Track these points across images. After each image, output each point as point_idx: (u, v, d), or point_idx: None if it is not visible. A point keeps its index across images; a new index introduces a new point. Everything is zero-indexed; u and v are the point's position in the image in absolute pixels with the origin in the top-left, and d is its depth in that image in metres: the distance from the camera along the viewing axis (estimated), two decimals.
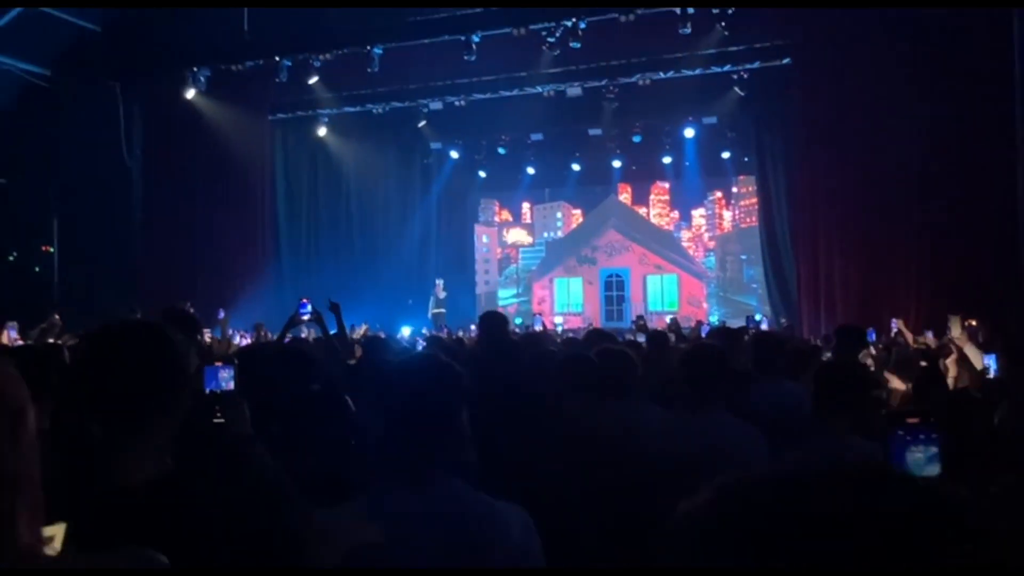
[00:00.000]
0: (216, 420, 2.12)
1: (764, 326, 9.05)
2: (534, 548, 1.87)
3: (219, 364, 2.17)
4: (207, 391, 2.15)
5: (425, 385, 1.88)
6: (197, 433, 2.48)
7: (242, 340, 10.91)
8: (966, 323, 7.73)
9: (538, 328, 10.86)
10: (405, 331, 14.39)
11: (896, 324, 9.00)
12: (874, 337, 9.02)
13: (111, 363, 1.69)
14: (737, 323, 12.45)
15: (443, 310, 16.86)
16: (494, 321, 4.94)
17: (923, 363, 5.76)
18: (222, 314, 9.79)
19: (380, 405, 1.88)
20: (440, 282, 17.06)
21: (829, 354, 6.42)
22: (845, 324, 7.07)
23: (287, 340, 5.54)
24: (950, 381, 5.59)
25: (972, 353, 5.66)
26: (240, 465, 2.09)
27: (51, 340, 8.13)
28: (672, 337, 7.67)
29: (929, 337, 8.80)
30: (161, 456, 1.73)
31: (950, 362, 6.04)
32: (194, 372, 2.12)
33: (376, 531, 1.80)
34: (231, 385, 2.18)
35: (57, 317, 9.84)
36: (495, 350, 4.43)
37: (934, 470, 1.74)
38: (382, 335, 9.11)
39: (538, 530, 1.89)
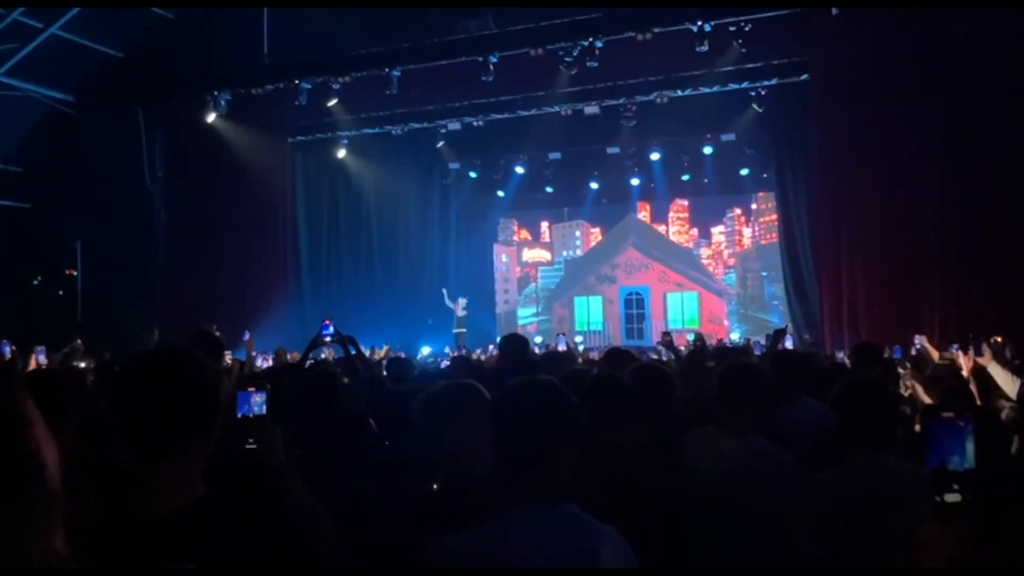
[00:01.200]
0: (249, 446, 2.11)
1: (788, 343, 8.93)
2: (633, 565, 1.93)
3: (252, 389, 2.17)
4: (239, 416, 2.14)
5: (549, 408, 1.90)
6: (229, 460, 2.47)
7: (264, 362, 10.92)
8: (992, 340, 7.56)
9: (561, 348, 10.79)
10: (425, 350, 14.40)
11: (919, 340, 8.88)
12: (900, 354, 8.90)
13: (145, 391, 1.69)
14: (758, 340, 12.35)
15: (464, 330, 16.86)
16: (514, 343, 4.94)
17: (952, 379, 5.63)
18: (247, 335, 9.82)
19: (497, 428, 1.89)
20: (462, 301, 17.09)
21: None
22: (861, 342, 6.98)
23: (310, 362, 5.54)
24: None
25: (999, 374, 5.36)
26: (272, 495, 2.08)
27: (74, 364, 8.21)
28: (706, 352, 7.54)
29: (954, 352, 8.66)
30: (193, 483, 1.72)
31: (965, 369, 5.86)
32: (228, 398, 2.11)
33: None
34: (263, 410, 2.17)
35: (79, 341, 9.91)
36: (514, 372, 4.41)
37: (970, 464, 1.76)
38: (402, 355, 9.11)
39: None
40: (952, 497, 1.76)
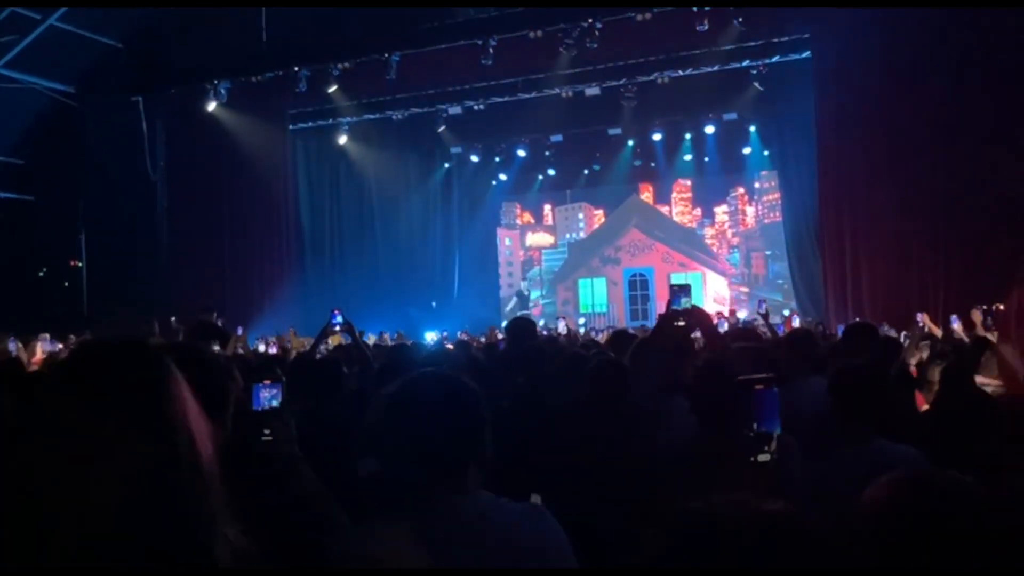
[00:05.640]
0: (264, 438, 2.13)
1: (796, 322, 8.91)
2: (565, 543, 1.90)
3: (267, 382, 2.19)
4: (255, 408, 2.16)
5: (451, 404, 1.85)
6: (244, 452, 2.50)
7: (269, 348, 10.96)
8: (994, 306, 7.50)
9: (562, 330, 10.77)
10: (430, 336, 14.43)
11: (921, 318, 8.85)
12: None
13: None
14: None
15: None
16: (522, 328, 4.95)
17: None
18: (240, 331, 9.86)
19: (397, 426, 1.86)
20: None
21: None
22: (853, 323, 6.88)
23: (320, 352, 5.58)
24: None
25: (1011, 354, 5.08)
26: (285, 487, 2.10)
27: None
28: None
29: (956, 326, 8.59)
30: None
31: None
32: (241, 390, 2.13)
33: (423, 554, 1.80)
34: (278, 402, 2.19)
35: (87, 334, 9.94)
36: (521, 358, 4.43)
37: (777, 428, 2.02)
38: (408, 342, 9.14)
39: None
40: (763, 457, 1.99)
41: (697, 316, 3.63)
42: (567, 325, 12.07)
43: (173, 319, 9.82)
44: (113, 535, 0.94)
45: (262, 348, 10.60)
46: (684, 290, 3.42)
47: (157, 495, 0.99)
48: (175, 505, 1.01)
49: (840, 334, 9.66)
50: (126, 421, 1.04)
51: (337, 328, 5.00)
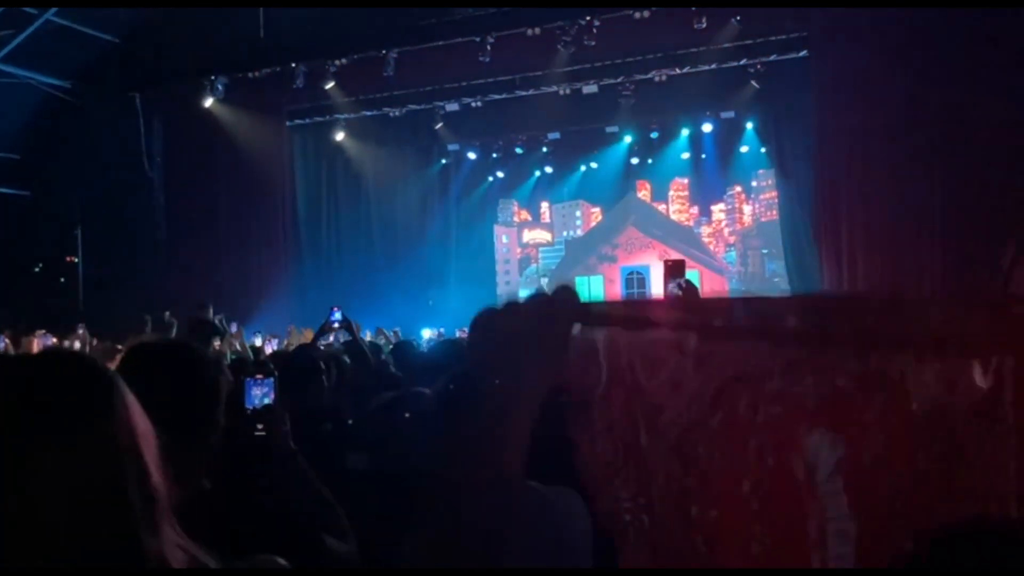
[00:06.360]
0: (258, 433, 2.14)
1: None
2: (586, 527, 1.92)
3: (260, 377, 2.19)
4: (247, 404, 2.16)
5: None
6: (238, 448, 2.50)
7: (268, 344, 10.97)
8: None
9: None
10: (426, 333, 14.42)
11: None
12: None
13: (148, 385, 1.70)
14: None
15: None
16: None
17: None
18: (234, 327, 9.85)
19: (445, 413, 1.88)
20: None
21: None
22: None
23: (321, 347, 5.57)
24: None
25: None
26: (280, 483, 2.11)
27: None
28: None
29: None
30: (196, 475, 1.73)
31: None
32: (232, 387, 2.13)
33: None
34: (272, 398, 2.19)
35: (83, 330, 9.94)
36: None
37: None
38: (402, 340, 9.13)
39: None
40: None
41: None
42: None
43: (167, 313, 9.81)
44: (54, 548, 0.96)
45: (259, 342, 10.59)
46: (677, 266, 3.44)
47: (98, 512, 1.00)
48: (117, 523, 1.02)
49: None
50: (65, 439, 1.04)
51: (336, 325, 5.01)
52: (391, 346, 7.41)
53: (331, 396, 3.81)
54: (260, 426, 2.13)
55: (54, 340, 9.29)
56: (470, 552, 0.99)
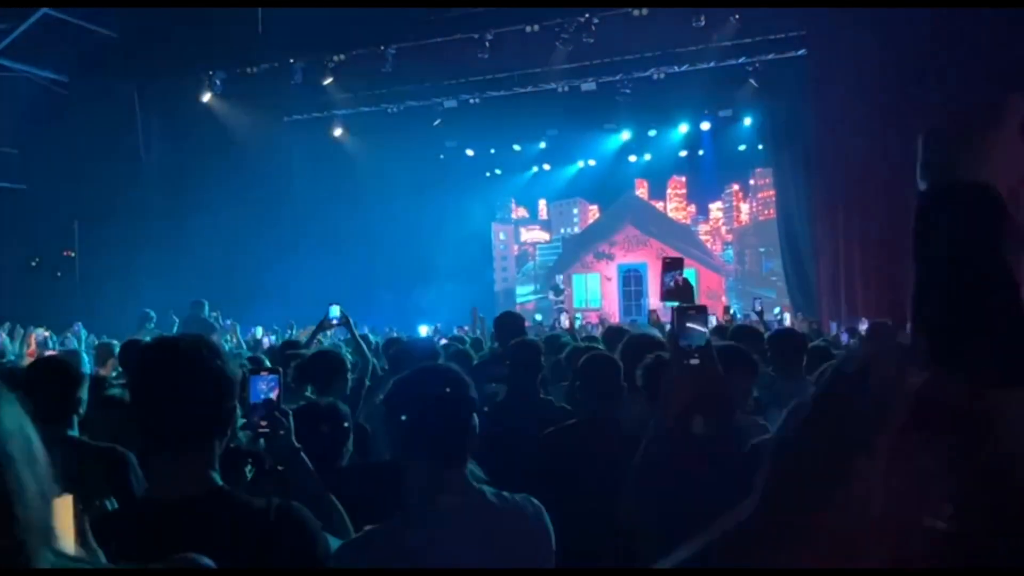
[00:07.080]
0: (262, 429, 2.14)
1: (787, 321, 8.93)
2: (549, 532, 1.99)
3: (264, 373, 2.19)
4: (252, 400, 2.17)
5: (445, 394, 1.93)
6: (241, 444, 2.51)
7: (266, 338, 10.96)
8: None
9: (565, 324, 10.79)
10: (422, 329, 14.41)
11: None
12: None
13: (172, 382, 1.70)
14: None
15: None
16: (510, 322, 4.97)
17: None
18: (229, 323, 9.85)
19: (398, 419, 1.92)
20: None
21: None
22: (876, 321, 6.80)
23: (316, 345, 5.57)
24: None
25: None
26: (282, 482, 2.12)
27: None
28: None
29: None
30: (207, 472, 1.73)
31: None
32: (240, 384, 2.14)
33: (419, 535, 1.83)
34: (276, 394, 2.20)
35: (79, 325, 9.93)
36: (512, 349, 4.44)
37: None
38: (399, 336, 9.14)
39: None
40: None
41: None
42: (569, 319, 12.10)
43: (171, 312, 9.83)
44: None
45: (259, 335, 10.57)
46: (675, 263, 3.34)
47: None
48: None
49: (833, 331, 9.70)
50: None
51: (335, 322, 5.01)
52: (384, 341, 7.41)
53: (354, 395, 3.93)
54: (264, 423, 2.14)
55: (46, 335, 9.27)
56: None
